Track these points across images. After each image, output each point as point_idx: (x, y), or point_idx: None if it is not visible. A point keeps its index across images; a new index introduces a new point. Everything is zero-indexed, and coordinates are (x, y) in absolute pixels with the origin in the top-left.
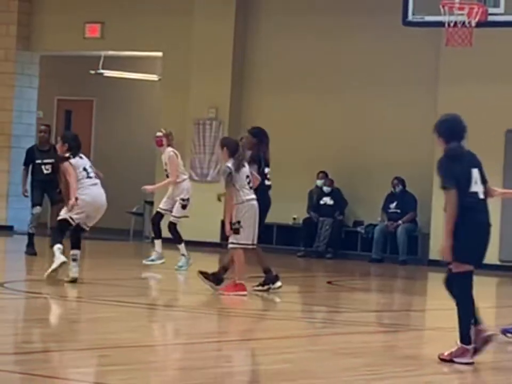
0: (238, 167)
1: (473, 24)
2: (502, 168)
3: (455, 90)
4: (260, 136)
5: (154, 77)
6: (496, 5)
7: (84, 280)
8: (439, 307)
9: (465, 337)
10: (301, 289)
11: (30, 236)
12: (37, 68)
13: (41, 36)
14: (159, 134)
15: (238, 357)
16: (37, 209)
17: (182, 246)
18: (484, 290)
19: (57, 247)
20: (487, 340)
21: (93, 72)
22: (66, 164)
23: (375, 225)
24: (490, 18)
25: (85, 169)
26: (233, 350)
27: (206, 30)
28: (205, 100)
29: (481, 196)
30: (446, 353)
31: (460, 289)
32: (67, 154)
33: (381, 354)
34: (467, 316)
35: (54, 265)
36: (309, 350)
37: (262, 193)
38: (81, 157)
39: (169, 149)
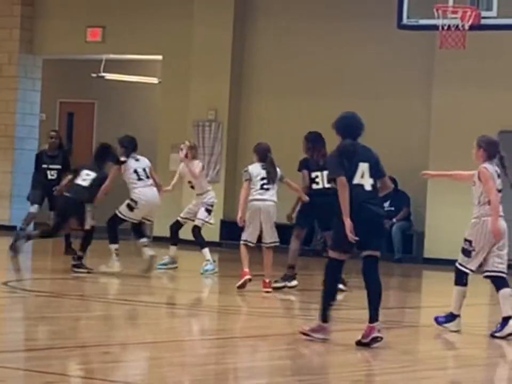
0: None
1: (466, 27)
2: None
3: (449, 92)
4: (312, 141)
5: (154, 80)
6: (489, 8)
7: (87, 279)
8: (434, 304)
9: (323, 316)
10: (299, 287)
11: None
12: (40, 71)
13: (43, 39)
14: (184, 146)
15: (238, 353)
16: (35, 207)
17: (206, 251)
18: (477, 287)
19: (114, 247)
20: None
21: (94, 75)
22: (115, 166)
23: None
24: (483, 21)
25: (135, 171)
26: (233, 346)
27: (205, 33)
28: (204, 102)
29: (368, 188)
30: (306, 328)
31: (327, 272)
32: (123, 158)
33: (377, 350)
34: (329, 296)
35: (108, 269)
36: (307, 346)
37: (310, 197)
38: (137, 159)
39: (197, 161)
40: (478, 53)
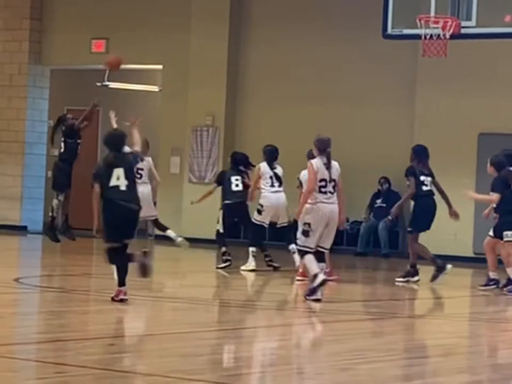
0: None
1: (447, 36)
2: (475, 168)
3: (431, 97)
4: (416, 153)
5: (155, 88)
6: (469, 18)
7: (92, 275)
8: (419, 296)
9: (121, 283)
10: (292, 281)
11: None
12: (48, 80)
13: (51, 51)
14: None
15: (235, 344)
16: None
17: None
18: (459, 280)
19: (252, 250)
20: None
21: (99, 84)
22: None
23: (359, 222)
24: (463, 31)
25: (271, 177)
26: (230, 338)
27: (202, 44)
28: (201, 108)
29: (123, 188)
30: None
31: (109, 259)
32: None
33: (366, 340)
34: (122, 272)
35: (245, 267)
36: (300, 337)
37: (419, 199)
38: (273, 167)
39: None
40: (459, 61)
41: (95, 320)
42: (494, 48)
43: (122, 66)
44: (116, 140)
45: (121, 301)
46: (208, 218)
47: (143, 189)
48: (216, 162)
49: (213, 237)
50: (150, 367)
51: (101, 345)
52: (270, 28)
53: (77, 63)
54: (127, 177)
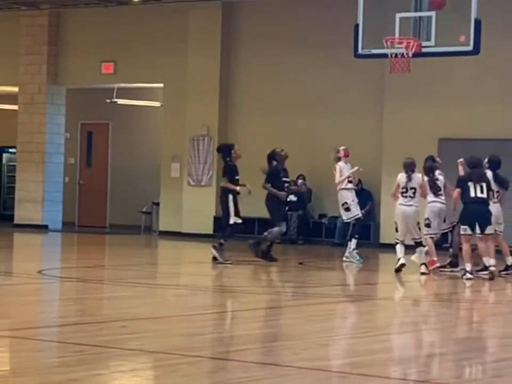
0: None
1: (410, 55)
2: None
3: (397, 108)
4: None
5: (157, 104)
6: (428, 38)
7: (105, 267)
8: (389, 281)
9: None
10: (278, 269)
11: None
12: (64, 98)
13: (66, 73)
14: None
15: (230, 324)
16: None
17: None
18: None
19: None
20: None
21: (108, 100)
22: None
23: (336, 217)
24: (424, 50)
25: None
26: (226, 319)
27: (198, 65)
28: (198, 120)
29: None
30: None
31: None
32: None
33: (344, 319)
34: None
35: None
36: (286, 317)
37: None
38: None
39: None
40: (421, 75)
41: (109, 305)
42: (451, 64)
43: (129, 85)
44: None
45: None
46: (205, 216)
47: None
48: (211, 167)
49: (209, 231)
50: (156, 345)
51: (114, 327)
52: (256, 48)
53: (89, 83)
54: None
